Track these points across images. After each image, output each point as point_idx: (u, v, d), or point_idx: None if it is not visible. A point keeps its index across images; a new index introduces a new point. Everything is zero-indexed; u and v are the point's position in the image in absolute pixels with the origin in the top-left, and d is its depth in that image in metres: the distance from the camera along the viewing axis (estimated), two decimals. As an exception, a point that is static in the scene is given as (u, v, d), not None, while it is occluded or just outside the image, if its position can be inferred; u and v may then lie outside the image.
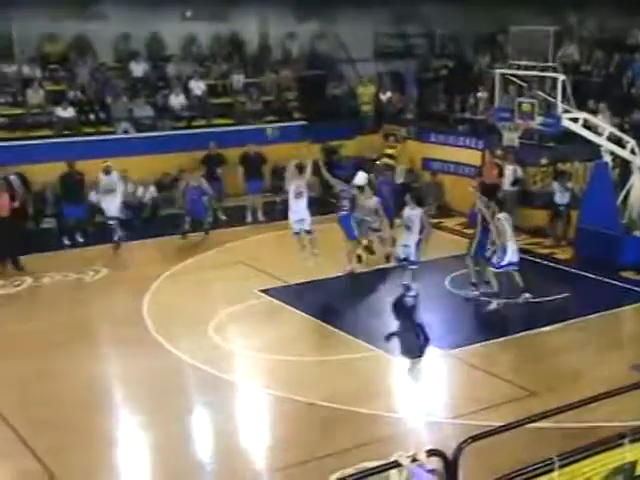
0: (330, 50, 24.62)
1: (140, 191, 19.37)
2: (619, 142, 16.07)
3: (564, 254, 16.72)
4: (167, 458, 9.13)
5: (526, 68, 16.37)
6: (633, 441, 4.79)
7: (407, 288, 13.84)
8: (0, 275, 15.46)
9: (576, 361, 11.53)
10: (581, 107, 16.44)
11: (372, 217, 15.47)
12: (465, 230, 16.80)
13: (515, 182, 18.38)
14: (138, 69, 22.04)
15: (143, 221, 19.06)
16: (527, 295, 13.61)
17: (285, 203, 15.83)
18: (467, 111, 21.87)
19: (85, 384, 10.84)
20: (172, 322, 12.99)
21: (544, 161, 18.52)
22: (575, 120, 15.67)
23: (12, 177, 17.92)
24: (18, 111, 20.23)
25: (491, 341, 12.32)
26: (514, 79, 16.72)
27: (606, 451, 4.76)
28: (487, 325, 13.25)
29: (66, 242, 17.49)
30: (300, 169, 15.57)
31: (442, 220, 19.28)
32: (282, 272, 15.17)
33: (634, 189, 16.04)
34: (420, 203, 14.53)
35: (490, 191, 16.62)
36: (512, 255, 13.43)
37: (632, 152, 16.00)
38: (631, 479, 4.87)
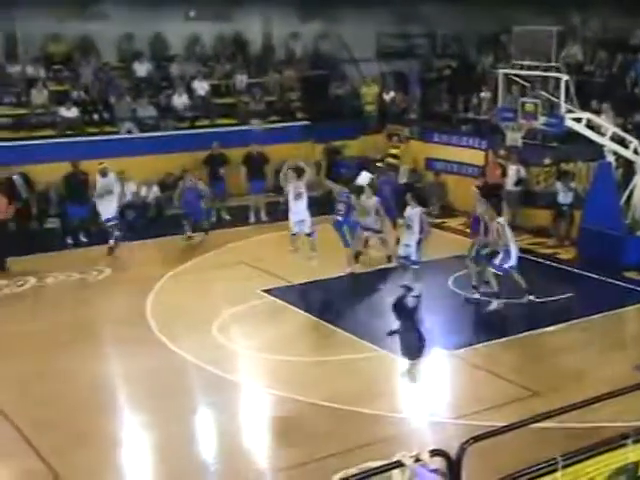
0: (333, 50, 24.65)
1: (143, 191, 19.40)
2: (622, 142, 16.06)
3: (567, 254, 16.72)
4: (170, 458, 9.14)
5: (529, 68, 16.36)
6: (636, 441, 4.81)
7: (407, 289, 13.89)
8: (2, 275, 15.48)
9: (579, 361, 11.52)
10: (584, 107, 16.42)
11: (373, 217, 15.48)
12: (468, 230, 16.79)
13: (518, 182, 18.39)
14: (141, 69, 22.07)
15: (147, 221, 19.09)
16: (531, 297, 13.61)
17: (288, 203, 15.85)
18: (470, 111, 21.87)
19: (89, 384, 10.86)
20: (175, 322, 13.01)
21: (547, 161, 18.51)
22: (578, 120, 15.67)
23: (15, 177, 18.00)
24: (22, 111, 20.26)
25: (494, 341, 12.32)
26: (517, 79, 16.72)
27: (609, 451, 4.77)
28: (490, 325, 13.24)
29: (70, 242, 17.51)
30: (297, 171, 15.58)
31: (445, 220, 19.31)
32: (285, 272, 15.18)
33: (637, 189, 16.04)
34: (422, 202, 14.53)
35: (491, 192, 16.66)
36: (515, 258, 13.45)
37: (635, 152, 16.00)
38: (634, 479, 4.88)
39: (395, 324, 10.52)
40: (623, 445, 4.78)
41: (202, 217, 17.93)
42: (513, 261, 13.41)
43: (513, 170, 18.37)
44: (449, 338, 12.50)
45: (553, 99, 15.68)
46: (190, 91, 21.81)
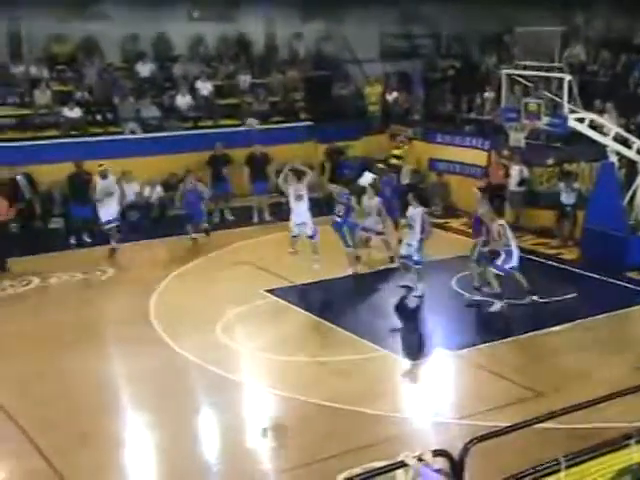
0: (336, 50, 24.65)
1: (147, 191, 19.42)
2: (625, 142, 16.05)
3: (570, 254, 16.71)
4: (174, 458, 9.15)
5: (532, 68, 16.37)
6: (640, 442, 4.80)
7: (408, 289, 13.92)
8: (5, 276, 15.51)
9: (582, 362, 11.51)
10: (587, 107, 16.43)
11: (374, 217, 15.50)
12: (471, 230, 16.79)
13: (521, 182, 18.40)
14: (145, 70, 22.10)
15: (150, 221, 19.11)
16: (534, 297, 13.61)
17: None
18: (473, 111, 21.89)
19: (92, 384, 10.87)
20: (179, 322, 13.02)
21: (550, 161, 18.51)
22: (581, 120, 15.67)
23: (19, 177, 18.04)
24: (25, 111, 20.31)
25: (497, 342, 12.31)
26: (520, 79, 16.71)
27: (613, 452, 4.76)
28: (493, 326, 13.23)
29: (73, 242, 17.53)
30: (297, 173, 15.58)
31: (448, 220, 19.31)
32: (288, 272, 15.20)
33: (640, 189, 16.04)
34: (424, 203, 14.54)
35: (494, 192, 16.68)
36: (516, 259, 13.45)
37: (638, 152, 15.98)
38: (638, 480, 4.88)
39: (398, 323, 10.54)
40: (627, 446, 4.77)
41: (202, 218, 17.87)
42: (515, 262, 13.41)
43: (516, 170, 18.37)
44: (452, 338, 12.50)
45: (556, 99, 15.67)
46: (193, 91, 21.83)
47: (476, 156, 20.12)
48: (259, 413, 10.38)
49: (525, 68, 16.55)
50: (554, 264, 16.23)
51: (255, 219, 19.43)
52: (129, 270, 16.09)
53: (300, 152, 19.35)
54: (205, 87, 21.99)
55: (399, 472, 4.40)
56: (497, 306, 13.39)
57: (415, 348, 12.20)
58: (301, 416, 10.08)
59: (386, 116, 23.24)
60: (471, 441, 4.60)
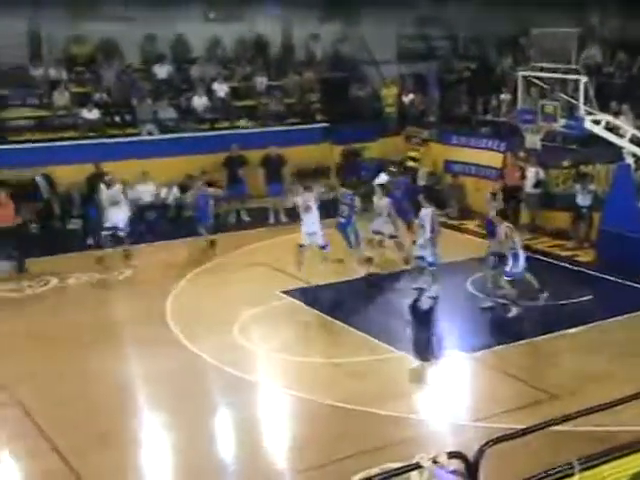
0: (353, 52, 24.67)
1: (163, 192, 19.53)
2: (642, 144, 16.02)
3: (586, 256, 16.66)
4: (191, 458, 9.21)
5: (548, 70, 16.34)
6: (654, 446, 4.82)
7: (421, 290, 13.93)
8: (23, 276, 15.64)
9: (597, 364, 11.48)
10: (603, 109, 16.39)
11: (384, 218, 15.56)
12: (484, 231, 16.78)
13: (537, 184, 18.37)
14: (162, 71, 22.20)
15: (167, 222, 19.20)
16: (545, 294, 13.58)
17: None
18: (489, 113, 21.86)
19: (110, 384, 10.95)
20: (196, 323, 13.09)
21: (566, 163, 18.47)
22: (597, 122, 15.64)
23: (38, 178, 18.19)
24: (44, 113, 20.45)
25: (512, 344, 12.31)
26: (537, 81, 16.69)
27: (627, 455, 4.78)
28: (508, 328, 13.20)
29: (91, 243, 17.61)
30: (306, 187, 15.60)
31: (463, 222, 19.30)
32: (304, 274, 15.23)
33: (657, 191, 15.99)
34: (437, 204, 14.53)
35: (508, 194, 16.64)
36: (523, 262, 13.42)
37: (655, 154, 15.95)
38: (652, 484, 4.89)
39: (411, 324, 10.57)
40: (641, 449, 4.80)
41: (209, 221, 17.60)
42: (522, 264, 13.36)
43: (532, 172, 18.35)
44: (467, 340, 12.52)
45: (572, 101, 15.65)
46: (210, 93, 21.92)
47: (492, 158, 20.09)
48: (275, 414, 10.43)
49: (541, 70, 16.52)
50: (570, 266, 16.20)
51: (271, 220, 19.49)
52: (146, 271, 16.16)
53: (316, 154, 19.39)
54: (222, 89, 22.07)
55: (414, 474, 4.45)
56: (514, 312, 13.34)
57: (426, 348, 12.22)
58: (316, 417, 10.13)
59: (402, 118, 23.24)
60: (486, 443, 4.64)
